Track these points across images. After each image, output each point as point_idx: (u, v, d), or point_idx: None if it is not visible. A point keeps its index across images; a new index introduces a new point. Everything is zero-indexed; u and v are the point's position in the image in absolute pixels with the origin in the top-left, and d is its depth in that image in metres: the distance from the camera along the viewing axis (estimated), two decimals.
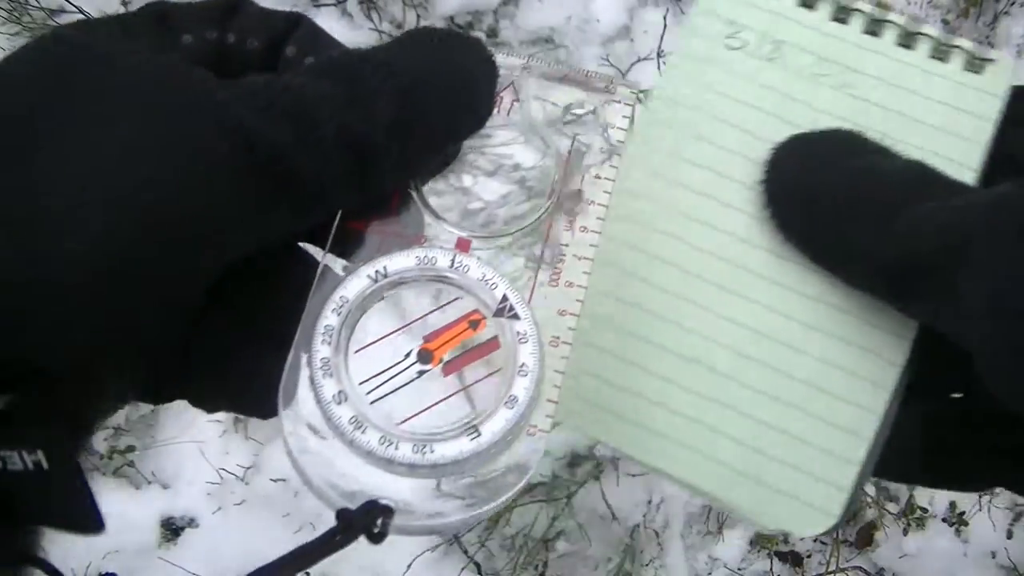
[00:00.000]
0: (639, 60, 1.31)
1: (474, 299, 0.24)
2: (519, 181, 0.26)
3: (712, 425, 0.26)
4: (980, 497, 1.24)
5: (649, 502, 1.29)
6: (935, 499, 1.27)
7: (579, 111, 0.27)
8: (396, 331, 0.24)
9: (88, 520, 0.21)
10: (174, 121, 0.20)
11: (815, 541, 1.30)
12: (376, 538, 0.22)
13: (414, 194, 0.25)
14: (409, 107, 0.22)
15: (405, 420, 0.23)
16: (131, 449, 1.22)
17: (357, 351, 0.23)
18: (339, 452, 0.23)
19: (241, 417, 1.25)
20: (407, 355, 0.24)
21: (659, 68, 1.26)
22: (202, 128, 0.20)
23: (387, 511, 0.22)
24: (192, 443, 1.22)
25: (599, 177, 0.26)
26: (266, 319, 0.24)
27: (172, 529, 1.23)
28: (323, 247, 0.24)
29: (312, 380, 0.23)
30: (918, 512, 1.25)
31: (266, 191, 0.20)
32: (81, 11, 1.23)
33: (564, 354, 0.24)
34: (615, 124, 0.27)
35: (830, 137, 0.27)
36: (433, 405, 0.23)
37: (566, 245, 0.26)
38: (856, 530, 1.29)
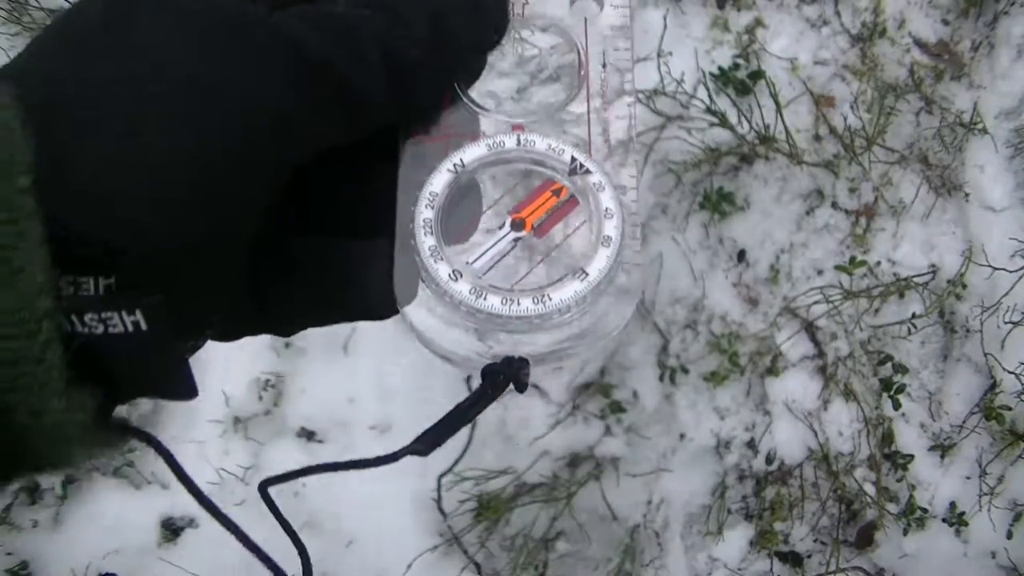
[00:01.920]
0: (639, 60, 1.31)
1: (546, 169, 0.27)
2: (549, 67, 0.29)
3: None
4: (980, 497, 1.24)
5: (649, 502, 1.29)
6: (935, 499, 1.27)
7: None
8: (484, 212, 0.27)
9: (182, 385, 0.23)
10: (235, 32, 0.22)
11: (815, 541, 1.30)
12: (522, 387, 0.25)
13: (464, 98, 0.28)
14: (440, 29, 0.25)
15: (518, 281, 0.26)
16: (131, 449, 1.22)
17: (455, 237, 0.26)
18: (459, 327, 0.26)
19: (241, 417, 1.25)
20: (501, 227, 0.26)
21: (659, 68, 1.26)
22: (260, 37, 0.22)
23: (524, 362, 0.25)
24: (192, 443, 1.22)
25: (617, 49, 0.29)
26: (368, 223, 0.27)
27: (172, 529, 1.23)
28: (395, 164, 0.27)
29: (425, 268, 0.25)
30: (918, 512, 1.25)
31: (319, 95, 0.23)
32: None
33: (633, 198, 0.27)
34: (617, 4, 0.29)
35: None
36: (538, 265, 0.26)
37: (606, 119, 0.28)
38: (856, 530, 1.29)
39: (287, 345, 1.27)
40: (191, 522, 1.23)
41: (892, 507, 1.27)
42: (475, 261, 0.26)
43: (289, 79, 0.22)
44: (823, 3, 1.36)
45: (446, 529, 1.23)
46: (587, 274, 0.25)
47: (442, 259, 0.25)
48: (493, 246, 0.26)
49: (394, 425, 1.24)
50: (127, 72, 0.21)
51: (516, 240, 0.26)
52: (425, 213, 0.26)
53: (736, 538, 1.28)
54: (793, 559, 1.29)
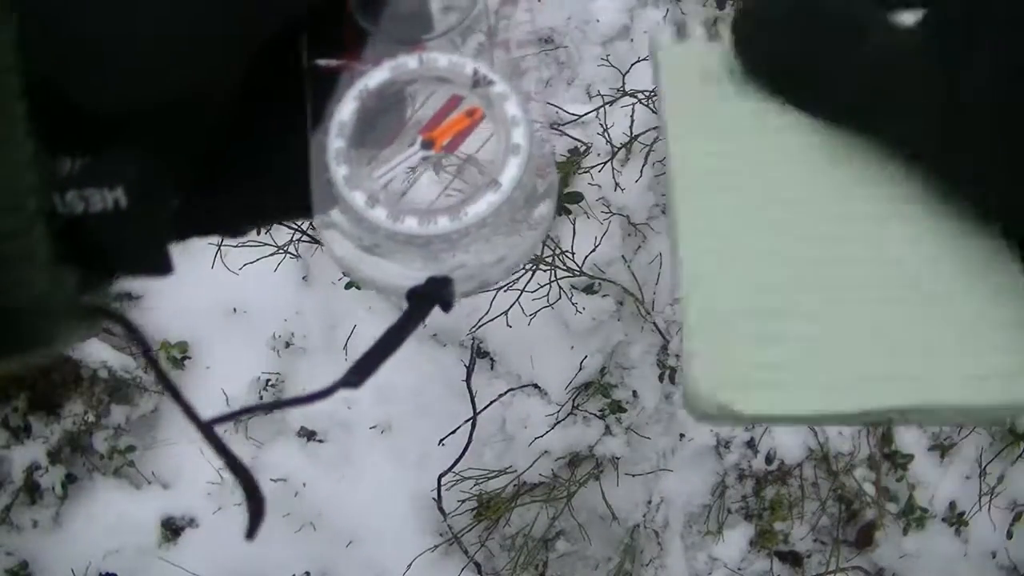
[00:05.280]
0: (639, 60, 1.31)
1: (449, 86, 0.27)
2: None
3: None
4: (980, 497, 1.24)
5: (649, 502, 1.29)
6: (935, 499, 1.27)
7: None
8: (395, 136, 0.27)
9: (160, 264, 0.23)
10: None
11: (815, 541, 1.30)
12: (447, 306, 0.25)
13: (368, 29, 0.28)
14: None
15: (434, 201, 0.26)
16: (131, 449, 1.23)
17: (369, 164, 0.27)
18: (379, 262, 0.26)
19: (242, 417, 1.25)
20: (411, 145, 0.27)
21: None
22: None
23: (447, 281, 0.25)
24: (192, 443, 1.22)
25: None
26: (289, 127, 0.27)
27: (172, 529, 1.23)
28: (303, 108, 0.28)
29: (342, 197, 0.25)
30: (918, 512, 1.25)
31: None
32: None
33: (537, 106, 0.28)
34: None
35: None
36: (451, 182, 0.26)
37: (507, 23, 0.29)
38: (856, 530, 1.29)
39: (288, 345, 1.28)
40: (191, 522, 1.23)
41: (892, 507, 1.27)
42: (384, 176, 0.26)
43: None
44: None
45: (446, 529, 1.23)
46: (500, 184, 0.26)
47: (357, 188, 0.25)
48: (401, 162, 0.26)
49: (394, 425, 1.24)
50: None
51: (425, 159, 0.26)
52: (336, 143, 0.26)
53: (736, 538, 1.28)
54: (793, 559, 1.29)
